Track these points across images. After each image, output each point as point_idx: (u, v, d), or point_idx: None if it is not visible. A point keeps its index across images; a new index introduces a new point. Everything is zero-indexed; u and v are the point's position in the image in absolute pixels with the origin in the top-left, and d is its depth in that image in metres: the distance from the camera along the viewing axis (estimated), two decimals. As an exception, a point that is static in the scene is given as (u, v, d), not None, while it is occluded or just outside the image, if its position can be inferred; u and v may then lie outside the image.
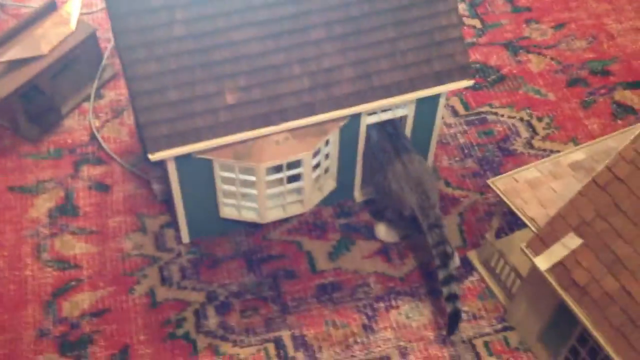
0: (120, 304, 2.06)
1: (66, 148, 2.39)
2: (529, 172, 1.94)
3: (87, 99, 2.51)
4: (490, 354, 1.97)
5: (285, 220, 2.24)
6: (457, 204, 2.29)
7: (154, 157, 1.83)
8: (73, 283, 2.10)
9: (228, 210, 2.11)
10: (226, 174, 1.98)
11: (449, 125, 2.47)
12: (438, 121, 2.15)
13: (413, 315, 2.05)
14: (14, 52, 2.35)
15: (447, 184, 2.33)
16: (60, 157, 2.37)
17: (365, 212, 2.27)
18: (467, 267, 2.16)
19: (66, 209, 2.25)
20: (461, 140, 2.44)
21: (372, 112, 2.04)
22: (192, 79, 1.82)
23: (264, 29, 1.85)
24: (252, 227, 2.21)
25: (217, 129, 1.85)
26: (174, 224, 2.22)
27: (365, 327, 2.03)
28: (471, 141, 2.44)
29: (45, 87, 2.38)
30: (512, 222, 2.20)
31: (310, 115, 1.91)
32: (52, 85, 2.41)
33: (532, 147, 2.43)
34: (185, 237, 2.19)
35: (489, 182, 1.94)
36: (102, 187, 2.30)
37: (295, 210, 2.13)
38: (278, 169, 1.97)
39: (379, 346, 2.00)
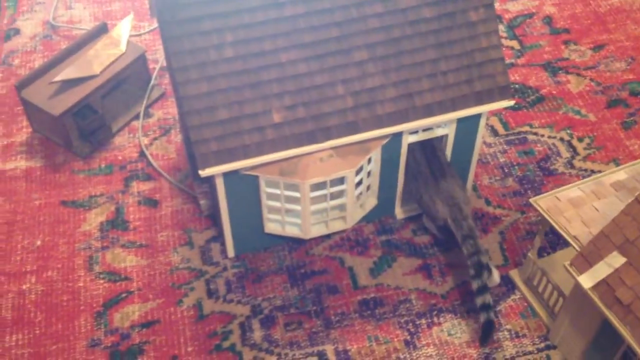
0: (169, 316, 2.12)
1: (117, 164, 2.48)
2: (572, 191, 1.96)
3: (137, 117, 2.60)
4: (532, 372, 2.00)
5: (327, 236, 2.29)
6: (498, 223, 2.32)
7: (204, 173, 1.89)
8: (124, 295, 2.17)
9: (272, 225, 2.17)
10: (271, 190, 2.04)
11: (488, 145, 2.51)
12: (478, 141, 2.19)
13: (455, 333, 2.08)
14: (68, 72, 2.45)
15: (488, 203, 2.36)
16: (111, 173, 2.46)
17: (407, 229, 2.31)
18: (509, 285, 2.18)
19: (117, 223, 2.33)
20: (501, 160, 2.47)
21: (414, 131, 2.09)
22: (240, 98, 1.89)
23: (308, 51, 1.92)
24: (295, 243, 2.26)
25: (264, 146, 1.91)
26: (219, 238, 2.28)
27: (407, 343, 2.06)
28: (511, 160, 2.47)
29: (97, 106, 2.47)
30: (553, 241, 2.23)
31: (353, 133, 1.96)
32: (103, 104, 2.50)
33: (573, 167, 2.45)
34: (231, 252, 2.25)
35: (531, 200, 1.97)
36: (151, 202, 2.38)
37: (337, 226, 2.18)
38: (322, 185, 2.02)
39: (421, 362, 2.03)
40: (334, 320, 2.11)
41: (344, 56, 1.94)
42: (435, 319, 2.11)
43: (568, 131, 2.54)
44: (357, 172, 2.04)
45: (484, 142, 2.50)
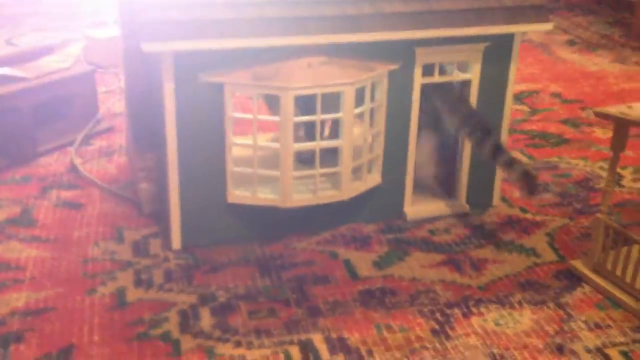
0: (72, 304, 1.40)
1: (36, 176, 1.90)
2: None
3: (72, 143, 2.08)
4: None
5: (314, 232, 1.66)
6: (541, 226, 1.72)
7: (149, 47, 1.37)
8: (8, 283, 1.46)
9: (238, 192, 1.56)
10: (239, 115, 1.51)
11: (513, 170, 2.00)
12: (510, 90, 1.69)
13: (505, 323, 1.38)
14: (-2, 70, 2.01)
15: (524, 210, 1.79)
16: (26, 183, 1.86)
17: (422, 228, 1.69)
18: (573, 278, 1.53)
19: (19, 221, 1.68)
20: (532, 180, 1.95)
21: (428, 72, 1.62)
22: (208, -32, 1.45)
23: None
24: (268, 238, 1.62)
25: (239, 26, 1.42)
26: (161, 235, 1.64)
27: (435, 332, 1.34)
28: (545, 181, 1.94)
29: (25, 111, 1.97)
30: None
31: (354, 31, 1.49)
32: (33, 113, 2.00)
33: (622, 186, 1.93)
34: (177, 242, 1.59)
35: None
36: (72, 205, 1.76)
37: (329, 196, 1.58)
38: (308, 102, 1.49)
39: (461, 352, 1.30)
40: (324, 309, 1.41)
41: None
42: (474, 309, 1.42)
43: (606, 163, 2.06)
44: (358, 98, 1.51)
45: (507, 169, 2.00)
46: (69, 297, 1.43)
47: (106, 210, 1.75)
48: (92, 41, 2.58)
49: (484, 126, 1.64)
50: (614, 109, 1.50)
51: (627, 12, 3.78)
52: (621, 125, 1.47)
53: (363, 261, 1.57)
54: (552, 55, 3.05)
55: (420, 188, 1.79)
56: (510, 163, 1.60)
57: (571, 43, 3.25)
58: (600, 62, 2.98)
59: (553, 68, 2.89)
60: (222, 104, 1.49)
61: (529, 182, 1.60)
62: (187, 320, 1.37)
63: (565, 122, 2.36)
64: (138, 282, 1.48)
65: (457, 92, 1.68)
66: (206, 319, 1.37)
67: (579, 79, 2.77)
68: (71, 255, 1.57)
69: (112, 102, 2.33)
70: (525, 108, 2.47)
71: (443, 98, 1.67)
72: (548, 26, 1.63)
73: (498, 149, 1.61)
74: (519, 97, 2.56)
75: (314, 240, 1.64)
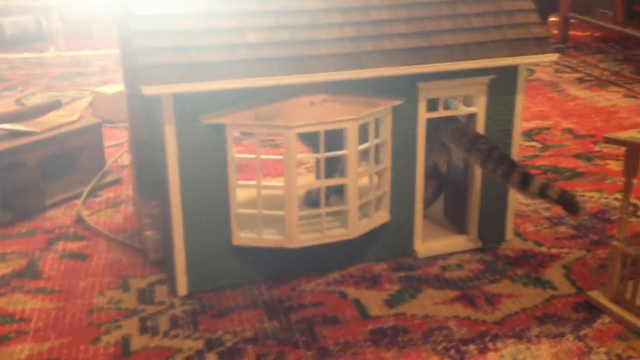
0: (76, 354, 1.36)
1: (42, 229, 1.88)
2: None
3: (79, 196, 2.07)
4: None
5: (322, 273, 1.62)
6: (558, 259, 1.67)
7: (148, 90, 1.36)
8: (11, 335, 1.43)
9: (243, 234, 1.53)
10: (242, 155, 1.50)
11: (526, 205, 1.95)
12: (517, 123, 1.67)
13: (524, 358, 1.32)
14: (5, 125, 2.02)
15: (539, 244, 1.74)
16: (32, 236, 1.85)
17: (434, 265, 1.65)
18: (592, 310, 1.47)
19: (24, 273, 1.66)
20: (545, 214, 1.90)
21: (432, 107, 1.60)
22: (206, 9, 1.45)
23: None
24: (276, 280, 1.59)
25: (236, 68, 1.41)
26: (167, 281, 1.60)
27: (451, 369, 1.29)
28: (559, 214, 1.89)
29: (32, 165, 1.97)
30: None
31: (355, 67, 1.48)
32: (40, 167, 2.00)
33: (638, 216, 1.88)
34: (183, 288, 1.55)
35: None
36: (78, 256, 1.74)
37: (337, 234, 1.54)
38: (311, 139, 1.46)
39: (478, 389, 1.24)
40: (334, 350, 1.36)
41: (339, -15, 1.56)
42: (490, 345, 1.36)
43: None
44: (361, 135, 1.49)
45: (519, 202, 1.95)
46: (73, 347, 1.39)
47: (112, 260, 1.72)
48: (100, 96, 2.61)
49: (507, 158, 1.60)
50: (624, 134, 1.47)
51: (636, 49, 3.78)
52: (632, 150, 1.44)
53: (374, 300, 1.52)
54: (562, 93, 3.04)
55: (431, 224, 1.76)
56: (545, 188, 1.56)
57: (581, 81, 3.23)
58: (611, 98, 2.96)
59: (563, 105, 2.87)
60: (224, 145, 1.47)
61: (569, 200, 1.56)
62: (193, 365, 1.34)
63: (578, 156, 2.33)
64: (143, 330, 1.44)
65: (472, 131, 1.65)
66: (212, 364, 1.34)
67: (590, 114, 2.75)
68: (76, 305, 1.54)
69: (120, 155, 2.34)
70: (536, 144, 2.44)
71: (459, 140, 1.64)
72: (552, 57, 1.61)
73: (528, 178, 1.56)
74: (529, 134, 2.53)
75: (323, 281, 1.60)
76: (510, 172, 1.57)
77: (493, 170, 1.59)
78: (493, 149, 1.59)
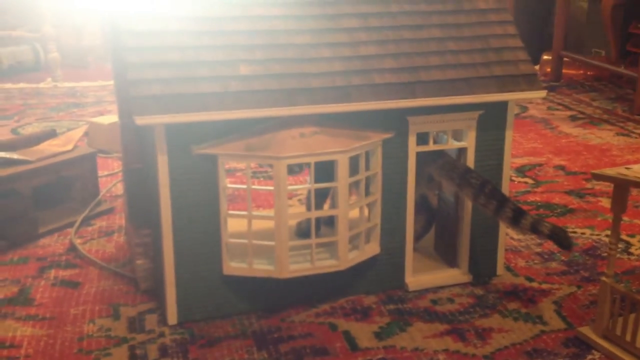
0: (64, 382, 1.36)
1: (34, 257, 1.88)
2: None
3: (72, 225, 2.08)
4: None
5: (312, 305, 1.62)
6: (549, 294, 1.68)
7: (141, 120, 1.38)
8: (1, 361, 1.43)
9: (234, 264, 1.53)
10: (233, 186, 1.51)
11: (517, 241, 1.96)
12: (507, 157, 1.68)
13: (512, 392, 1.33)
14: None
15: (530, 279, 1.74)
16: (25, 263, 1.85)
17: (424, 298, 1.65)
18: (582, 346, 1.47)
19: (16, 300, 1.66)
20: (537, 250, 1.91)
21: (423, 141, 1.62)
22: (198, 43, 1.47)
23: (284, 9, 1.56)
24: (266, 311, 1.59)
25: (226, 100, 1.43)
26: (158, 310, 1.60)
27: (439, 403, 1.29)
28: (550, 249, 1.90)
29: (25, 193, 1.98)
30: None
31: (344, 101, 1.50)
32: (34, 196, 2.01)
33: (630, 253, 1.89)
34: (173, 317, 1.55)
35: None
36: (70, 284, 1.74)
37: (327, 265, 1.55)
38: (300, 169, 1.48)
39: (466, 423, 1.24)
40: (323, 381, 1.36)
41: (330, 21, 1.58)
42: (479, 378, 1.37)
43: (613, 233, 2.02)
44: (352, 168, 1.51)
45: (510, 237, 1.96)
46: (61, 375, 1.40)
47: (104, 288, 1.72)
48: (95, 126, 2.63)
49: (499, 193, 1.61)
50: (611, 171, 1.48)
51: (629, 88, 3.82)
52: (620, 187, 1.45)
53: (363, 332, 1.52)
54: (554, 130, 3.07)
55: (421, 257, 1.77)
56: (536, 224, 1.57)
57: (573, 118, 3.27)
58: (604, 136, 2.98)
59: (556, 142, 2.90)
60: (216, 175, 1.49)
61: (561, 236, 1.56)
62: (181, 396, 1.33)
63: (570, 193, 2.34)
64: (132, 358, 1.44)
65: (463, 165, 1.67)
66: (200, 394, 1.33)
67: (583, 151, 2.77)
68: (66, 332, 1.53)
69: (114, 185, 2.35)
70: (528, 180, 2.46)
71: (449, 174, 1.65)
72: (541, 94, 1.63)
73: (520, 213, 1.58)
74: (521, 170, 2.55)
75: (313, 313, 1.60)
76: (502, 208, 1.58)
77: (485, 205, 1.60)
78: (485, 183, 1.61)
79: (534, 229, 1.56)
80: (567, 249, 1.58)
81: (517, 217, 1.58)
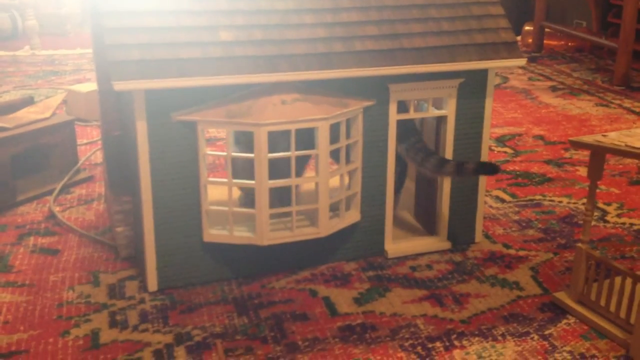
0: (45, 347, 1.36)
1: (12, 224, 1.87)
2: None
3: (51, 193, 2.07)
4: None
5: (293, 271, 1.63)
6: (525, 261, 1.70)
7: (119, 86, 1.37)
8: (-20, 327, 1.43)
9: (215, 231, 1.54)
10: (212, 152, 1.50)
11: (496, 209, 1.98)
12: (487, 126, 1.70)
13: (488, 355, 1.35)
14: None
15: (507, 246, 1.77)
16: (3, 231, 1.84)
17: (403, 265, 1.66)
18: (557, 311, 1.50)
19: (-6, 267, 1.66)
20: (515, 217, 1.93)
21: (403, 109, 1.62)
22: (178, 7, 1.46)
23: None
24: (246, 277, 1.60)
25: (207, 65, 1.42)
26: (139, 277, 1.61)
27: (417, 366, 1.31)
28: (528, 217, 1.93)
29: (3, 161, 1.96)
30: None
31: (326, 68, 1.50)
32: (12, 163, 1.99)
33: (606, 221, 1.92)
34: (153, 284, 1.56)
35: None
36: (49, 251, 1.73)
37: (307, 233, 1.56)
38: (282, 141, 1.48)
39: (442, 385, 1.26)
40: (302, 346, 1.37)
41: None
42: (456, 342, 1.38)
43: (590, 202, 2.05)
44: (332, 133, 1.51)
45: (489, 206, 1.98)
46: (42, 339, 1.39)
47: (83, 255, 1.72)
48: (74, 94, 2.60)
49: (427, 148, 1.68)
50: (588, 138, 1.50)
51: (609, 59, 3.84)
52: (596, 154, 1.47)
53: (343, 298, 1.54)
54: (534, 101, 3.08)
55: (401, 225, 1.78)
56: (459, 165, 1.64)
57: (554, 89, 3.28)
58: (583, 106, 3.00)
59: (536, 112, 2.91)
60: (196, 142, 1.48)
61: (486, 166, 1.65)
62: (162, 359, 1.34)
63: (548, 162, 2.36)
64: (112, 324, 1.44)
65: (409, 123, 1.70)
66: (181, 358, 1.34)
67: (562, 122, 2.79)
68: (46, 299, 1.53)
69: (93, 153, 2.34)
70: (508, 150, 2.48)
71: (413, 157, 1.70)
72: (521, 62, 1.64)
73: (444, 160, 1.66)
74: (501, 140, 2.57)
75: (293, 279, 1.61)
76: (427, 158, 1.65)
77: (413, 158, 1.68)
78: (419, 140, 1.68)
79: (459, 171, 1.64)
80: (496, 171, 1.65)
81: (441, 164, 1.64)
